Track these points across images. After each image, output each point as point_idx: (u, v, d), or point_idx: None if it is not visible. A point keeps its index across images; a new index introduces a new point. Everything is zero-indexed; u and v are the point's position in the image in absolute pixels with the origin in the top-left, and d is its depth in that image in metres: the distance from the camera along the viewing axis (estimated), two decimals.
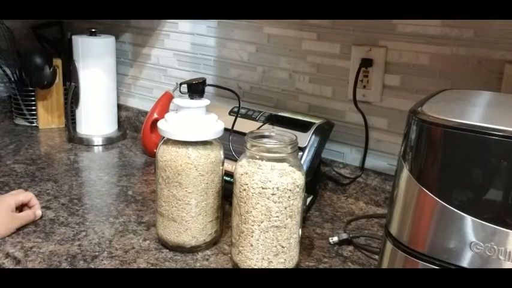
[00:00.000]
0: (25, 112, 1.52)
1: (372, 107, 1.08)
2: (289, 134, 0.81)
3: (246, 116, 1.09)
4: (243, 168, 0.78)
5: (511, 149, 0.53)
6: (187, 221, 0.85)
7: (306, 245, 0.91)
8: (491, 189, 0.54)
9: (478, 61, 0.94)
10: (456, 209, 0.56)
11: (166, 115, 0.87)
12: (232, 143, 0.94)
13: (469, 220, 0.55)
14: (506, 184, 0.53)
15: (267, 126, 1.04)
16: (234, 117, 0.94)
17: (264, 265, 0.78)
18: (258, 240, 0.77)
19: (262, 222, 0.76)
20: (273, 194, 0.75)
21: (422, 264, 0.59)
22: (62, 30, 1.58)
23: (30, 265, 0.82)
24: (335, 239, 0.92)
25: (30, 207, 0.96)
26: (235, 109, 1.10)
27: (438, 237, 0.57)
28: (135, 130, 1.51)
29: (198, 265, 0.84)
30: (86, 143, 1.40)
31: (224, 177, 0.89)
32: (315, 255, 0.88)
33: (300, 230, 0.81)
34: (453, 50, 0.96)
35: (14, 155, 1.28)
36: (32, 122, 1.53)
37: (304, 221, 1.00)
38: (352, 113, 1.10)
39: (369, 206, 1.09)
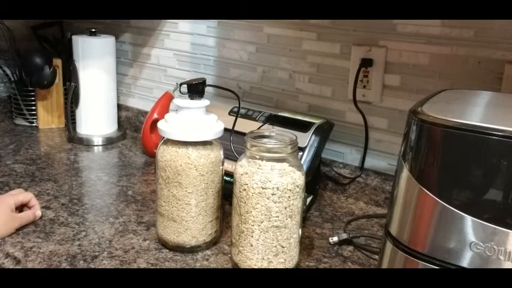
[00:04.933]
0: (25, 112, 1.52)
1: (372, 107, 1.08)
2: (289, 134, 0.80)
3: (246, 116, 1.09)
4: (243, 168, 0.78)
5: (511, 149, 0.53)
6: (187, 221, 0.85)
7: (306, 245, 0.91)
8: (491, 189, 0.54)
9: (478, 61, 0.94)
10: (456, 209, 0.56)
11: (166, 115, 0.87)
12: (233, 143, 0.94)
13: (469, 220, 0.55)
14: (506, 184, 0.53)
15: (267, 126, 1.04)
16: (234, 117, 0.94)
17: (264, 265, 0.78)
18: (258, 240, 0.77)
19: (262, 222, 0.76)
20: (273, 194, 0.75)
21: (422, 264, 0.59)
22: (62, 30, 1.58)
23: (30, 265, 0.82)
24: (335, 239, 0.92)
25: (30, 208, 0.96)
26: (235, 109, 1.10)
27: (438, 237, 0.57)
28: (135, 130, 1.51)
29: (198, 265, 0.84)
30: (86, 143, 1.40)
31: (224, 177, 0.89)
32: (315, 255, 0.88)
33: (300, 230, 0.81)
34: (453, 50, 0.96)
35: (14, 155, 1.28)
36: (32, 122, 1.53)
37: (304, 221, 1.00)
38: (352, 113, 1.10)
39: (368, 206, 1.09)
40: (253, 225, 0.77)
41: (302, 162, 0.96)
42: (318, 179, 1.11)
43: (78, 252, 0.85)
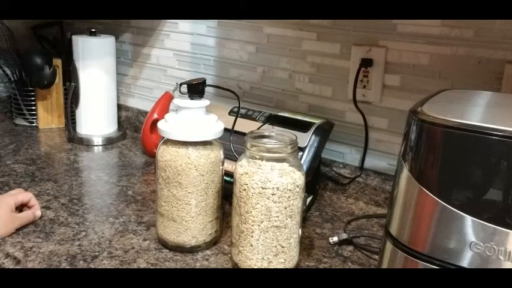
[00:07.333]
0: (25, 112, 1.52)
1: (372, 107, 1.08)
2: (289, 134, 0.80)
3: (246, 116, 1.09)
4: (243, 168, 0.78)
5: (511, 149, 0.53)
6: (187, 221, 0.85)
7: (306, 245, 0.91)
8: (491, 189, 0.54)
9: (478, 61, 0.94)
10: (456, 209, 0.56)
11: (166, 115, 0.87)
12: (233, 143, 0.94)
13: (469, 220, 0.55)
14: (506, 184, 0.53)
15: (267, 126, 1.04)
16: (234, 117, 0.94)
17: (264, 265, 0.78)
18: (258, 240, 0.77)
19: (262, 222, 0.76)
20: (273, 194, 0.75)
21: (422, 264, 0.59)
22: (62, 30, 1.58)
23: (30, 265, 0.82)
24: (335, 239, 0.92)
25: (29, 208, 0.96)
26: (235, 109, 1.10)
27: (438, 237, 0.57)
28: (135, 130, 1.51)
29: (198, 265, 0.84)
30: (86, 143, 1.40)
31: (224, 177, 0.89)
32: (315, 255, 0.88)
33: (300, 230, 0.81)
34: (453, 50, 0.96)
35: (14, 155, 1.28)
36: (32, 122, 1.53)
37: (304, 221, 1.00)
38: (352, 113, 1.10)
39: (368, 206, 1.09)
40: (253, 225, 0.77)
41: (302, 162, 0.96)
42: (318, 179, 1.11)
43: (78, 252, 0.85)
